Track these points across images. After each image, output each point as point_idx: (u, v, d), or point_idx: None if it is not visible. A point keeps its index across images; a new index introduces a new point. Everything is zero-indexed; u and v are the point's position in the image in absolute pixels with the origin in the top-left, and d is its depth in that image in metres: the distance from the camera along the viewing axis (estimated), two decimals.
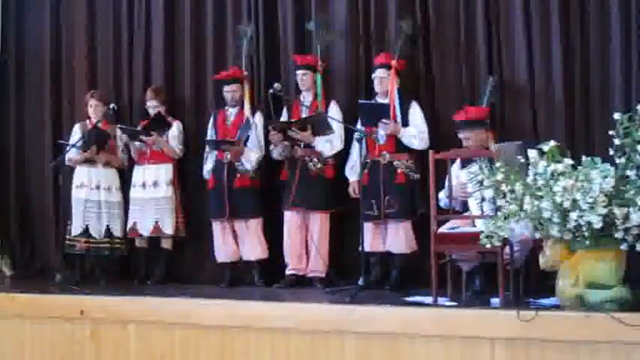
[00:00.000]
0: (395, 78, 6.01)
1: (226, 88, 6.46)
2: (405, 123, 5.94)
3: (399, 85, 6.03)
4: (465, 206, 5.37)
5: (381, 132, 5.92)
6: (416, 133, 5.91)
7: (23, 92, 7.77)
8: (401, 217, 5.85)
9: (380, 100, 6.05)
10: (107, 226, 6.67)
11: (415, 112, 5.99)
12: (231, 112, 6.48)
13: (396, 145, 5.92)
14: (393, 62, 6.00)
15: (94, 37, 7.51)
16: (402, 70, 6.07)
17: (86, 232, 6.61)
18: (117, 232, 6.72)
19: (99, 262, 6.79)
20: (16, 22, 7.82)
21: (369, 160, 5.95)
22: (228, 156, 6.29)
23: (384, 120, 5.86)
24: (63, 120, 7.46)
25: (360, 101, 6.04)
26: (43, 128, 7.54)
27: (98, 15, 7.50)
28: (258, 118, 6.39)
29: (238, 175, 6.28)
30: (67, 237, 6.67)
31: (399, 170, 5.88)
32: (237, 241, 6.39)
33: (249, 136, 6.31)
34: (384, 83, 6.00)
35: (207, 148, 6.52)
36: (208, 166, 6.49)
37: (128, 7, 7.35)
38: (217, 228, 6.42)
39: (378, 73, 6.04)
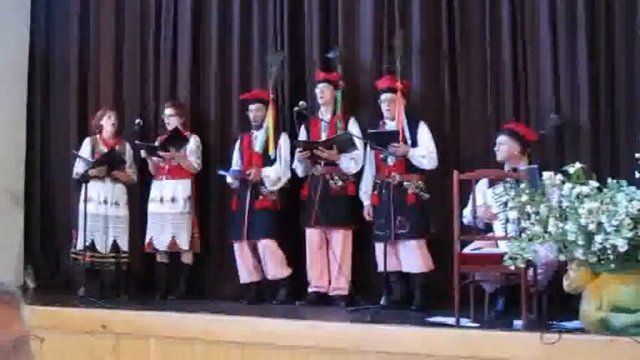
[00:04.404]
0: (401, 100, 5.99)
1: (250, 107, 6.51)
2: (414, 143, 5.93)
3: (405, 105, 6.02)
4: (489, 226, 5.35)
5: (392, 156, 5.86)
6: (425, 153, 5.90)
7: (49, 107, 7.89)
8: (412, 237, 5.81)
9: (388, 122, 6.03)
10: (114, 240, 6.69)
11: (423, 132, 5.97)
12: (256, 135, 6.47)
13: (406, 165, 5.90)
14: (398, 84, 5.97)
15: (120, 52, 7.59)
16: (407, 91, 6.08)
17: (91, 246, 6.59)
18: (124, 246, 6.74)
19: (121, 277, 6.80)
20: (45, 36, 7.95)
21: (379, 181, 5.94)
22: (253, 172, 6.27)
23: (393, 144, 5.83)
24: (89, 135, 7.49)
25: (369, 131, 6.01)
26: (69, 142, 7.59)
27: (125, 30, 7.59)
28: (284, 140, 6.40)
29: (260, 197, 6.30)
30: (72, 250, 6.69)
31: (409, 191, 5.85)
32: (260, 261, 6.39)
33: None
34: (392, 107, 5.98)
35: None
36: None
37: (155, 22, 7.42)
38: (237, 249, 6.43)
39: (384, 98, 6.01)
